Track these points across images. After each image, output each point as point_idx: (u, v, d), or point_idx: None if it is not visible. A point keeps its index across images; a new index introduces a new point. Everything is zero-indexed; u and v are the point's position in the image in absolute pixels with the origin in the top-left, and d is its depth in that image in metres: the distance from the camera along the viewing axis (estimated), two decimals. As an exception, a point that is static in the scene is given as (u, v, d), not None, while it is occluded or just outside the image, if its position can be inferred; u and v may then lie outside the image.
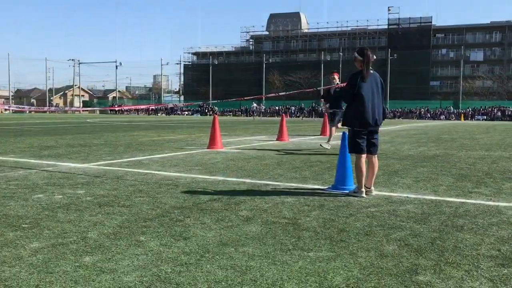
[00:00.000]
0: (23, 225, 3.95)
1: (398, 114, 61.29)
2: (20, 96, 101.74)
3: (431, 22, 79.06)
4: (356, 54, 5.49)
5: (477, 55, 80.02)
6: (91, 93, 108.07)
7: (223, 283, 2.73)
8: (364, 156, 5.45)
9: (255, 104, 51.03)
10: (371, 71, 5.48)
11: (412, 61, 73.82)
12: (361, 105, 5.34)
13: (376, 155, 5.58)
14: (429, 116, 59.92)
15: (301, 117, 42.71)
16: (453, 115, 58.79)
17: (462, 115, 56.62)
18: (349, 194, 5.46)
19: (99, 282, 2.72)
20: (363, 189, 5.40)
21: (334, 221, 4.23)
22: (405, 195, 5.52)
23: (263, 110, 59.09)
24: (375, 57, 5.55)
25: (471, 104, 63.82)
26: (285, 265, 3.04)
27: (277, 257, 3.19)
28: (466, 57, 77.34)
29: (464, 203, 5.08)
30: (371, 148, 5.50)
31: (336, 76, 11.51)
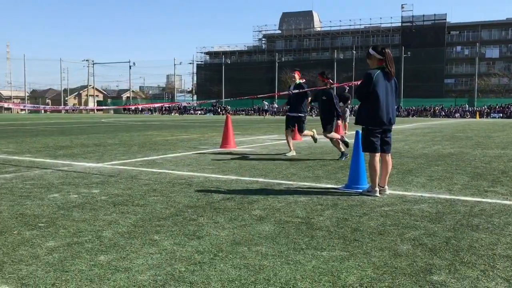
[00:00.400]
0: (39, 224, 4.01)
1: (412, 112, 60.79)
2: (36, 96, 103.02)
3: (445, 19, 78.30)
4: (373, 52, 5.40)
5: (493, 52, 79.01)
6: (105, 93, 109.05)
7: (236, 282, 2.73)
8: (378, 155, 5.41)
9: (266, 103, 50.68)
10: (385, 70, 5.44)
11: (426, 59, 73.19)
12: (376, 103, 5.30)
13: (389, 154, 5.55)
14: (443, 114, 59.34)
15: (312, 115, 41.85)
16: (468, 113, 58.13)
17: (477, 113, 55.95)
18: (363, 193, 5.43)
19: (114, 281, 2.74)
20: (377, 188, 5.37)
21: (347, 220, 4.21)
22: (419, 194, 5.48)
23: (275, 109, 58.20)
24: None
25: (486, 102, 63.08)
26: (298, 265, 3.04)
27: (290, 257, 3.19)
28: (482, 54, 76.45)
29: (479, 202, 5.02)
30: (385, 147, 5.47)
31: (296, 75, 9.79)
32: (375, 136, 5.37)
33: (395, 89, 5.50)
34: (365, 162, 5.72)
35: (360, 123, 5.48)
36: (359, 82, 5.69)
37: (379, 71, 5.35)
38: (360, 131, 5.67)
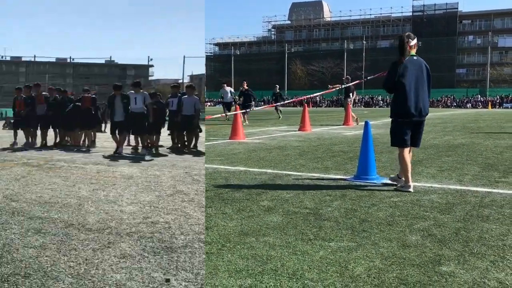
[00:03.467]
0: None
1: (423, 102, 60.25)
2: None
3: (457, 8, 77.23)
4: (408, 39, 5.09)
5: (506, 41, 77.72)
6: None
7: (244, 272, 2.74)
8: (407, 149, 5.18)
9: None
10: (415, 57, 5.16)
11: (438, 48, 72.34)
12: (403, 93, 5.02)
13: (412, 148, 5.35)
14: (455, 104, 58.78)
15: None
16: (480, 103, 57.51)
17: (490, 103, 55.31)
18: (397, 189, 5.14)
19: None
20: (411, 183, 5.08)
21: (356, 211, 4.19)
22: (429, 184, 5.43)
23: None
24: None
25: (499, 92, 62.30)
26: (306, 255, 3.03)
27: (298, 247, 3.19)
28: (494, 43, 75.36)
29: (490, 193, 4.97)
30: (415, 141, 5.22)
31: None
32: (402, 129, 5.10)
33: (427, 77, 5.18)
34: (375, 153, 5.68)
35: (390, 115, 5.24)
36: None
37: (408, 58, 5.08)
38: (369, 121, 5.61)
